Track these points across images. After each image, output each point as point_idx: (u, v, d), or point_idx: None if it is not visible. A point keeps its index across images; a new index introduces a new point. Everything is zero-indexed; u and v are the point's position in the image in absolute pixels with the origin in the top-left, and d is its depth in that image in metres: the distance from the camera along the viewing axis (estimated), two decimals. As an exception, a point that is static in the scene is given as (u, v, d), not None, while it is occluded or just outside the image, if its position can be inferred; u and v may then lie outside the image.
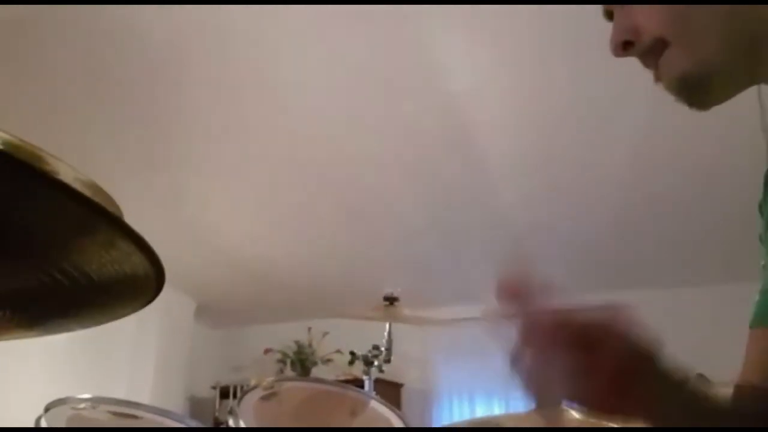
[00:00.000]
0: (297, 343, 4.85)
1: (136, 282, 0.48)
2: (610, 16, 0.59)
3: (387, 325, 2.08)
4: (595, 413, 0.50)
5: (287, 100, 2.81)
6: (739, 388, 0.58)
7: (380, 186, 3.48)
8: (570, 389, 0.48)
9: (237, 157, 3.26)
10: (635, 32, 0.56)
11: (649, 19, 0.54)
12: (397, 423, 1.58)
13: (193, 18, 2.34)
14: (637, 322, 0.47)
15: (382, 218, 3.80)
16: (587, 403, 0.49)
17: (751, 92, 0.58)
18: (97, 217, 0.41)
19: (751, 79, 0.55)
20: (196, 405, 5.05)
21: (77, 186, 0.40)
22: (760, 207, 0.65)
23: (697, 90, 0.53)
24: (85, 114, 2.85)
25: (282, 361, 4.84)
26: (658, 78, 0.55)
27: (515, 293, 0.47)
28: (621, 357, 0.46)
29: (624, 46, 0.57)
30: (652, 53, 0.55)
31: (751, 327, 0.63)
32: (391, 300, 2.07)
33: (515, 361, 0.47)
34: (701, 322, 4.28)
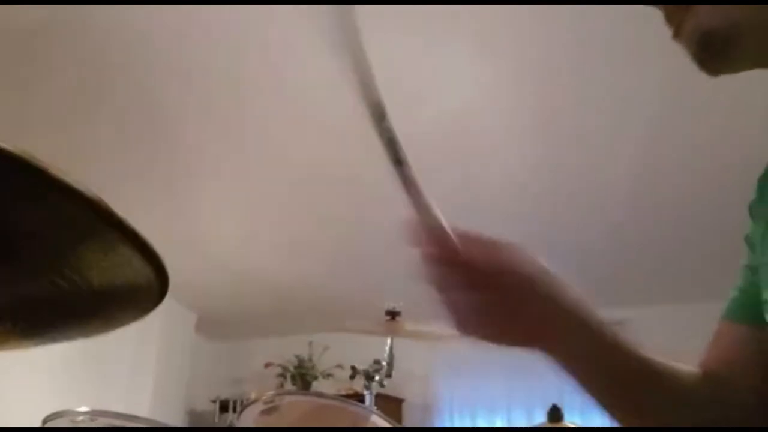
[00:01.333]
0: (298, 357, 4.82)
1: (139, 288, 0.48)
2: None
3: (388, 340, 2.07)
4: (500, 341, 0.56)
5: (291, 109, 2.82)
6: (705, 377, 0.61)
7: (384, 200, 3.48)
8: (479, 319, 0.54)
9: (240, 170, 3.27)
10: None
11: None
12: (399, 438, 1.56)
13: (193, 24, 2.35)
14: (527, 252, 0.55)
15: (385, 233, 3.80)
16: (494, 332, 0.56)
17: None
18: (99, 220, 0.41)
19: None
20: (195, 419, 5.02)
21: (82, 191, 0.39)
22: (751, 209, 0.66)
23: (719, 50, 0.52)
24: (85, 125, 2.86)
25: (282, 375, 4.82)
26: (677, 34, 0.53)
27: (428, 252, 0.54)
28: (516, 289, 0.54)
29: None
30: (680, 5, 0.53)
31: (721, 319, 0.66)
32: (392, 314, 2.06)
33: (441, 300, 0.55)
34: (706, 337, 4.25)
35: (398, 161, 0.49)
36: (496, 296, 0.53)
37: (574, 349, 0.56)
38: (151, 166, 3.21)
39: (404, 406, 4.63)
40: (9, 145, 0.42)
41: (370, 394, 2.01)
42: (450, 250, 0.53)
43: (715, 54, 0.52)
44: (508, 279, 0.54)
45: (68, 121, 2.83)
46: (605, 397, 0.59)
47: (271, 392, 1.56)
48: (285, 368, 4.82)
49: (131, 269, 0.44)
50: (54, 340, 0.63)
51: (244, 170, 3.28)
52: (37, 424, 1.24)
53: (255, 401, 1.52)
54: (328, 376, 4.63)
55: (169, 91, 2.71)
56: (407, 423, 4.45)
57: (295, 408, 1.63)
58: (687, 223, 3.57)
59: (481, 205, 3.41)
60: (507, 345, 0.56)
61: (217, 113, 2.85)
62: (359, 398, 1.95)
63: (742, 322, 0.63)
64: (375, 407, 1.89)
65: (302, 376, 4.77)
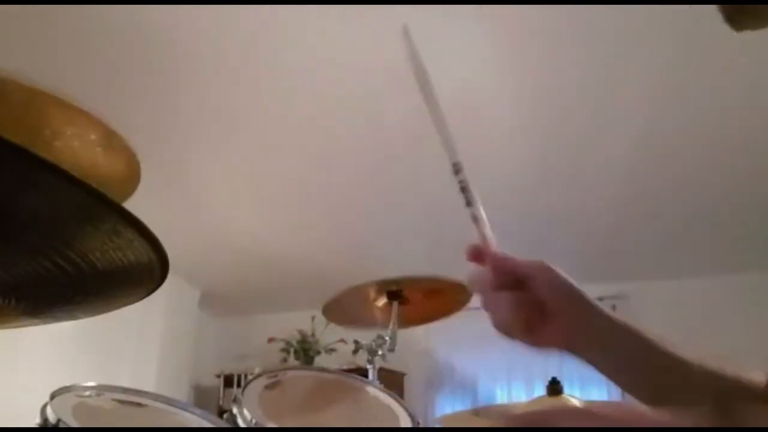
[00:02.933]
0: (301, 332, 4.87)
1: (141, 270, 0.48)
2: None
3: (392, 315, 2.08)
4: (533, 344, 0.61)
5: (294, 89, 2.81)
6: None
7: (387, 176, 3.48)
8: (513, 321, 0.59)
9: (242, 146, 3.26)
10: None
11: None
12: (399, 411, 1.58)
13: (198, 10, 2.33)
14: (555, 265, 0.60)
15: (389, 208, 3.80)
16: (526, 333, 0.60)
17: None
18: (101, 205, 0.41)
19: None
20: (200, 393, 5.09)
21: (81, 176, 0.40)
22: None
23: (749, 5, 0.52)
24: (91, 100, 2.85)
25: (286, 350, 4.87)
26: None
27: (476, 254, 0.62)
28: (547, 290, 0.59)
29: None
30: None
31: None
32: (395, 294, 2.06)
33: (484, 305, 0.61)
34: (706, 312, 4.28)
35: (468, 203, 0.62)
36: (536, 297, 0.59)
37: (613, 357, 0.60)
38: (155, 145, 3.20)
39: (406, 380, 4.69)
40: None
41: (373, 368, 2.03)
42: (501, 262, 0.61)
43: (742, 11, 0.52)
44: (547, 282, 0.59)
45: (79, 93, 2.81)
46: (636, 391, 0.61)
47: (275, 367, 1.58)
48: (288, 343, 4.87)
49: (132, 251, 0.45)
50: (59, 318, 0.64)
51: (247, 148, 3.28)
52: (45, 399, 1.25)
53: (259, 376, 1.54)
54: (331, 350, 4.68)
55: (173, 73, 2.69)
56: (409, 397, 4.51)
57: (298, 382, 1.65)
58: (687, 199, 3.57)
59: (482, 182, 3.40)
60: (541, 346, 0.61)
61: (220, 92, 2.83)
62: (362, 372, 1.97)
63: None
64: (378, 381, 1.92)
65: (305, 351, 4.82)
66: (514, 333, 0.60)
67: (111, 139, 0.87)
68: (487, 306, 0.61)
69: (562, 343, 0.60)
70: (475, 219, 0.62)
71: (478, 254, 0.62)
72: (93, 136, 0.85)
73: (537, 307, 0.59)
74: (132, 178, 0.91)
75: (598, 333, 0.59)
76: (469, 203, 0.63)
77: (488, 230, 0.62)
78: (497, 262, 0.61)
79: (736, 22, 0.53)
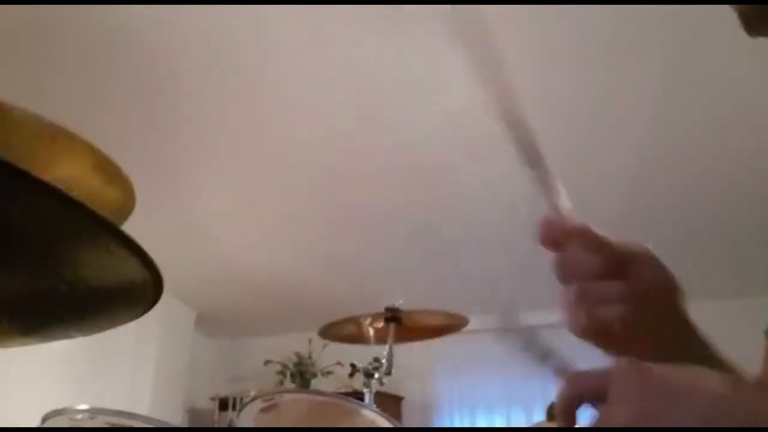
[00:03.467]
0: (297, 354, 4.83)
1: (135, 289, 0.48)
2: None
3: (388, 338, 2.07)
4: (615, 340, 0.49)
5: (293, 112, 2.82)
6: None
7: (385, 198, 3.48)
8: (605, 315, 0.47)
9: (240, 168, 3.27)
10: None
11: None
12: (397, 436, 1.56)
13: (196, 18, 2.35)
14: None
15: (386, 230, 3.80)
16: (612, 331, 0.48)
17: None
18: (94, 224, 0.41)
19: None
20: (195, 416, 5.02)
21: (72, 194, 0.39)
22: None
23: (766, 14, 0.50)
24: (85, 119, 2.85)
25: (282, 373, 4.82)
26: None
27: (554, 235, 0.49)
28: (655, 280, 0.49)
29: None
30: None
31: (763, 337, 0.63)
32: (393, 311, 2.06)
33: (562, 297, 0.48)
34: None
35: (534, 164, 0.49)
36: (629, 288, 0.47)
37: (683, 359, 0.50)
38: (152, 163, 3.21)
39: (404, 404, 4.64)
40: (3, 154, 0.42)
41: (370, 392, 2.01)
42: (601, 242, 0.48)
43: (763, 16, 0.50)
44: (646, 273, 0.49)
45: (69, 121, 2.82)
46: None
47: (271, 390, 1.56)
48: (284, 366, 4.83)
49: (126, 270, 0.45)
50: (52, 337, 0.63)
51: (245, 171, 3.28)
52: (37, 421, 1.24)
53: (254, 399, 1.53)
54: (328, 373, 4.64)
55: (172, 92, 2.70)
56: (407, 421, 4.45)
57: (294, 406, 1.63)
58: (688, 218, 3.57)
59: (487, 193, 3.41)
60: (617, 349, 0.49)
61: (218, 113, 2.85)
62: (359, 396, 1.95)
63: None
64: (374, 405, 1.90)
65: (302, 374, 4.78)
66: (614, 337, 0.47)
67: (107, 167, 0.87)
68: (584, 299, 0.47)
69: (645, 352, 0.48)
70: (545, 186, 0.49)
71: (557, 232, 0.49)
72: (89, 164, 0.85)
73: (641, 303, 0.47)
74: (128, 206, 0.91)
75: (685, 352, 0.51)
76: (534, 164, 0.49)
77: (565, 201, 0.49)
78: (596, 241, 0.48)
79: (754, 27, 0.51)
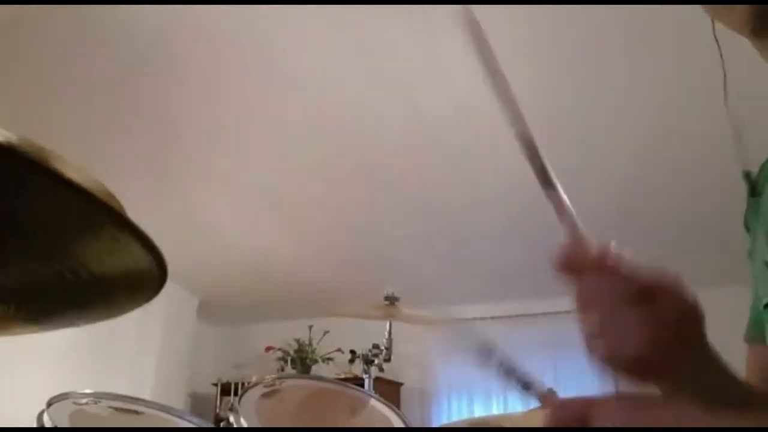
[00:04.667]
0: (298, 341, 4.86)
1: (139, 277, 0.49)
2: None
3: (387, 325, 2.09)
4: (635, 369, 0.47)
5: (293, 96, 2.82)
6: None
7: (383, 186, 3.49)
8: (630, 345, 0.46)
9: (241, 154, 3.27)
10: None
11: None
12: (397, 422, 1.59)
13: (196, 15, 2.35)
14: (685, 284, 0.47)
15: (385, 218, 3.81)
16: (635, 362, 0.47)
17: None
18: (101, 213, 0.42)
19: None
20: (197, 401, 5.07)
21: (81, 182, 0.40)
22: (746, 221, 0.64)
23: None
24: (88, 113, 2.86)
25: (283, 359, 4.86)
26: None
27: (573, 263, 0.47)
28: (680, 309, 0.47)
29: None
30: None
31: (744, 340, 0.65)
32: (391, 299, 2.07)
33: (582, 326, 0.47)
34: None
35: (548, 184, 0.47)
36: (654, 317, 0.45)
37: (693, 393, 0.50)
38: (154, 155, 3.21)
39: (402, 389, 4.68)
40: (11, 136, 0.43)
41: (369, 378, 2.03)
42: (607, 260, 0.46)
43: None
44: (669, 303, 0.46)
45: (71, 111, 2.83)
46: None
47: (272, 376, 1.58)
48: (285, 352, 4.86)
49: (130, 258, 0.45)
50: (57, 325, 0.64)
51: (246, 156, 3.29)
52: (42, 406, 1.26)
53: (255, 384, 1.54)
54: (328, 359, 4.67)
55: (169, 79, 2.70)
56: (406, 407, 4.49)
57: (295, 391, 1.65)
58: (684, 215, 3.58)
59: (480, 197, 3.42)
60: (631, 373, 0.47)
61: (217, 98, 2.84)
62: (358, 382, 1.97)
63: (755, 341, 0.60)
64: (374, 391, 1.92)
65: (302, 360, 4.81)
66: (634, 366, 0.46)
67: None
68: (605, 330, 0.46)
69: (665, 381, 0.48)
70: (560, 206, 0.46)
71: (578, 259, 0.46)
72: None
73: (663, 333, 0.45)
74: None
75: (704, 382, 0.50)
76: (547, 183, 0.47)
77: (580, 224, 0.47)
78: (618, 269, 0.45)
79: (762, 33, 0.51)
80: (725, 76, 0.62)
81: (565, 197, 0.47)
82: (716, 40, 0.54)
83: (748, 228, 0.63)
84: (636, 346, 0.45)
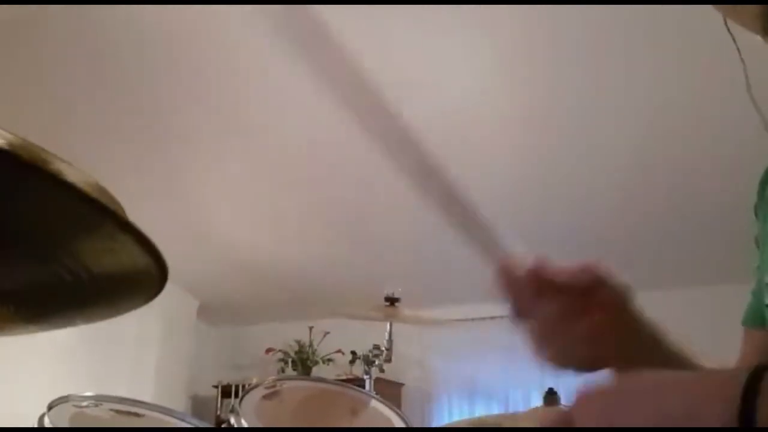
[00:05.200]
0: (298, 342, 4.86)
1: (139, 278, 0.49)
2: None
3: (388, 326, 2.09)
4: (583, 364, 0.53)
5: (291, 101, 2.82)
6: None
7: (383, 187, 3.49)
8: (566, 337, 0.51)
9: (241, 157, 3.27)
10: None
11: None
12: (398, 422, 1.58)
13: (196, 16, 2.35)
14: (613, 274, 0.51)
15: (385, 219, 3.81)
16: (578, 353, 0.52)
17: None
18: (101, 214, 0.42)
19: None
20: (198, 403, 5.06)
21: (80, 184, 0.40)
22: (756, 209, 0.65)
23: None
24: (88, 114, 2.86)
25: (283, 361, 4.85)
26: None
27: (508, 281, 0.52)
28: (614, 297, 0.51)
29: None
30: None
31: (742, 325, 0.66)
32: (391, 300, 2.07)
33: (519, 323, 0.52)
34: (699, 323, 4.28)
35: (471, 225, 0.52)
36: (587, 317, 0.50)
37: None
38: (154, 156, 3.21)
39: (403, 390, 4.67)
40: (11, 138, 0.43)
41: (370, 378, 2.03)
42: (540, 272, 0.51)
43: None
44: (601, 300, 0.51)
45: (71, 115, 2.83)
46: None
47: (272, 377, 1.58)
48: (286, 353, 4.85)
49: (130, 258, 0.45)
50: (56, 326, 0.64)
51: (245, 157, 3.29)
52: (42, 409, 1.25)
53: (256, 386, 1.54)
54: (329, 361, 4.67)
55: (169, 81, 2.70)
56: (407, 407, 4.49)
57: (295, 393, 1.65)
58: (682, 212, 3.58)
59: (478, 197, 3.41)
60: (581, 368, 0.53)
61: (216, 101, 2.85)
62: (359, 383, 1.97)
63: (756, 327, 0.62)
64: (375, 392, 1.92)
65: (303, 362, 4.80)
66: (582, 363, 0.51)
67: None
68: (547, 342, 0.51)
69: (615, 365, 0.52)
70: (486, 243, 0.53)
71: (511, 279, 0.51)
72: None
73: (601, 328, 0.50)
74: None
75: (644, 361, 0.52)
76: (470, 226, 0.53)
77: (503, 243, 0.52)
78: (549, 280, 0.50)
79: None
80: (745, 66, 0.63)
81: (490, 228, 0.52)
82: (730, 33, 0.54)
83: (756, 215, 0.65)
84: (579, 353, 0.51)
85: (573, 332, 0.51)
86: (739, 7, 0.54)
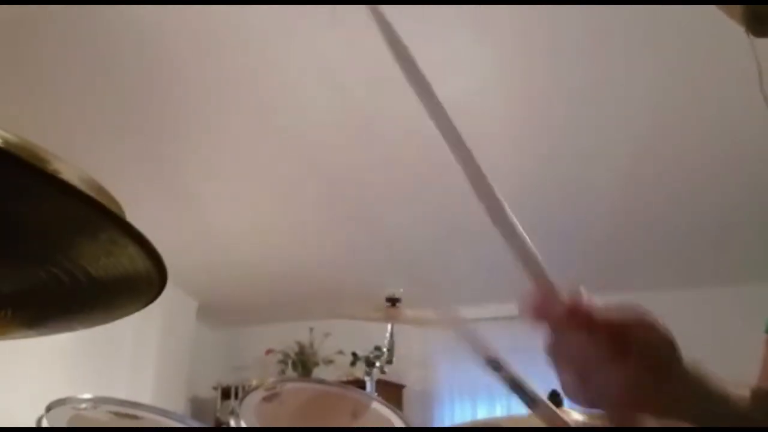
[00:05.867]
0: (299, 343, 4.84)
1: (138, 280, 0.48)
2: None
3: (389, 326, 2.08)
4: (624, 412, 0.49)
5: (291, 101, 2.82)
6: (757, 392, 0.58)
7: (384, 188, 3.48)
8: (607, 384, 0.48)
9: (241, 158, 3.27)
10: None
11: None
12: (399, 424, 1.58)
13: (196, 15, 2.34)
14: (660, 320, 0.49)
15: (386, 220, 3.80)
16: (620, 399, 0.48)
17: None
18: (99, 216, 0.41)
19: None
20: (197, 405, 5.05)
21: (79, 185, 0.40)
22: None
23: None
24: (88, 114, 2.85)
25: (283, 362, 4.84)
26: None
27: (542, 308, 0.48)
28: (657, 347, 0.48)
29: None
30: None
31: (765, 333, 0.65)
32: (393, 301, 2.06)
33: (554, 367, 0.49)
34: (702, 325, 4.27)
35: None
36: (629, 359, 0.48)
37: (684, 416, 0.52)
38: (154, 156, 3.20)
39: (405, 392, 4.66)
40: (10, 138, 0.42)
41: (371, 380, 2.02)
42: (578, 311, 0.48)
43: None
44: (644, 344, 0.48)
45: (72, 115, 2.82)
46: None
47: (273, 379, 1.57)
48: (286, 355, 4.84)
49: (129, 261, 0.45)
50: (55, 329, 0.63)
51: (246, 159, 3.28)
52: (40, 411, 1.25)
53: (256, 388, 1.53)
54: (329, 362, 4.65)
55: (169, 79, 2.70)
56: (408, 409, 4.48)
57: (296, 394, 1.64)
58: (685, 211, 3.57)
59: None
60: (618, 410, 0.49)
61: (218, 99, 2.84)
62: (360, 384, 1.96)
63: None
64: (376, 393, 1.91)
65: (303, 363, 4.79)
66: (620, 408, 0.48)
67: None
68: (586, 385, 0.48)
69: (654, 411, 0.50)
70: (524, 254, 0.49)
71: (546, 308, 0.48)
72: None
73: (643, 372, 0.48)
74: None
75: (687, 413, 0.51)
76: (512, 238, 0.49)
77: (548, 270, 0.48)
78: (590, 319, 0.47)
79: (759, 32, 0.53)
80: (759, 65, 0.63)
81: (529, 243, 0.49)
82: (748, 35, 0.54)
83: None
84: (616, 397, 0.47)
85: (613, 376, 0.47)
86: (726, 7, 0.55)
